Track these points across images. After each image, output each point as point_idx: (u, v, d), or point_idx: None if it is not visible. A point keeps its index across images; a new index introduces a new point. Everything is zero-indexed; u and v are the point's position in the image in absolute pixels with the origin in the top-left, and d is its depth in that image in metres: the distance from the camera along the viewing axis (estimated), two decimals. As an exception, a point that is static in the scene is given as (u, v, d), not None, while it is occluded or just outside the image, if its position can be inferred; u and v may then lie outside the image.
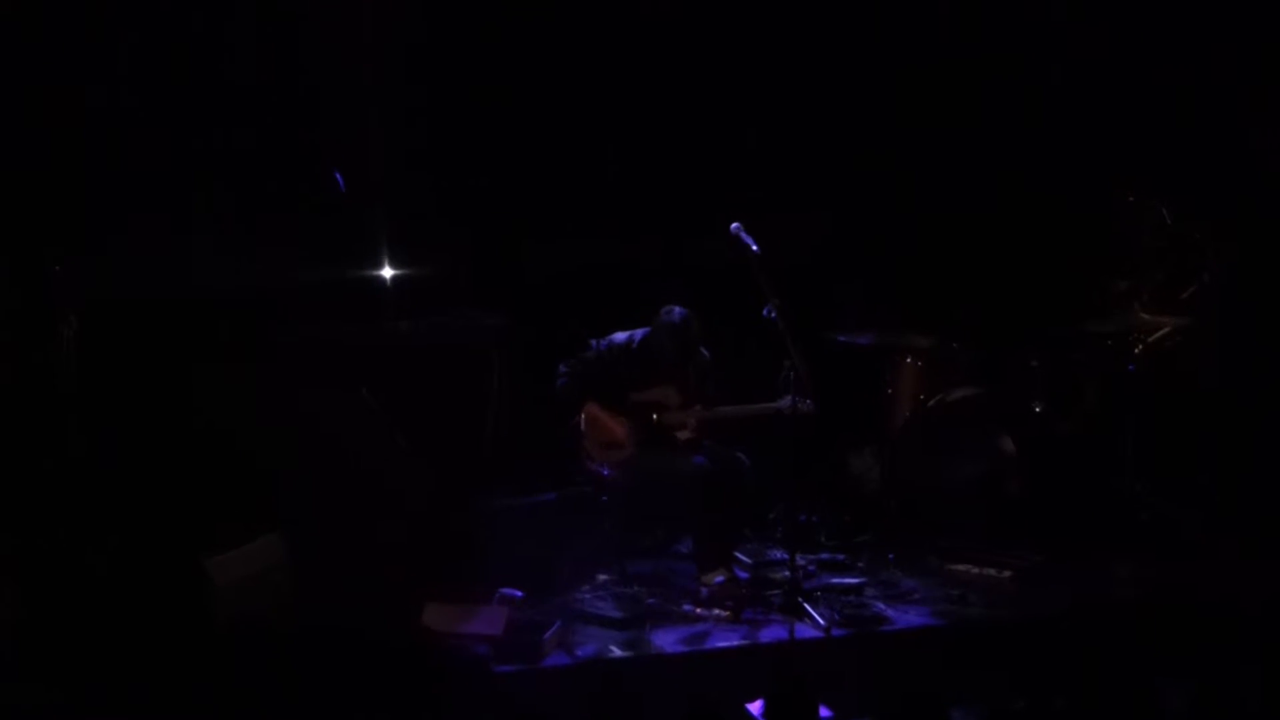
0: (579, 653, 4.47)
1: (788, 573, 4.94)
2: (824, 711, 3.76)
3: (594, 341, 5.33)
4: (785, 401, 4.89)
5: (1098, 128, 6.28)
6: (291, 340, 5.00)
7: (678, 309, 5.15)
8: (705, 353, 5.33)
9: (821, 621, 4.67)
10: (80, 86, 5.04)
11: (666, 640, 4.60)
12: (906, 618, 4.82)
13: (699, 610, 4.88)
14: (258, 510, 4.77)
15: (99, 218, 5.04)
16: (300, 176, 5.27)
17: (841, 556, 5.52)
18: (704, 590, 5.00)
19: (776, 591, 4.98)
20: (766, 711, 3.70)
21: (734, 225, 4.90)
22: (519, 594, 4.75)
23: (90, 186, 5.03)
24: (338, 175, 5.19)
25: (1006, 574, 5.30)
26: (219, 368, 4.96)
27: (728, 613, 4.83)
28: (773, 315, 4.77)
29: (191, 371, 4.96)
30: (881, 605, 4.92)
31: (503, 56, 5.87)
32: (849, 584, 5.15)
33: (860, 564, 5.46)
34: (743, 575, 5.28)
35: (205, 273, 5.05)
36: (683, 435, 5.24)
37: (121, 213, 5.07)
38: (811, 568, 5.35)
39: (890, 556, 5.48)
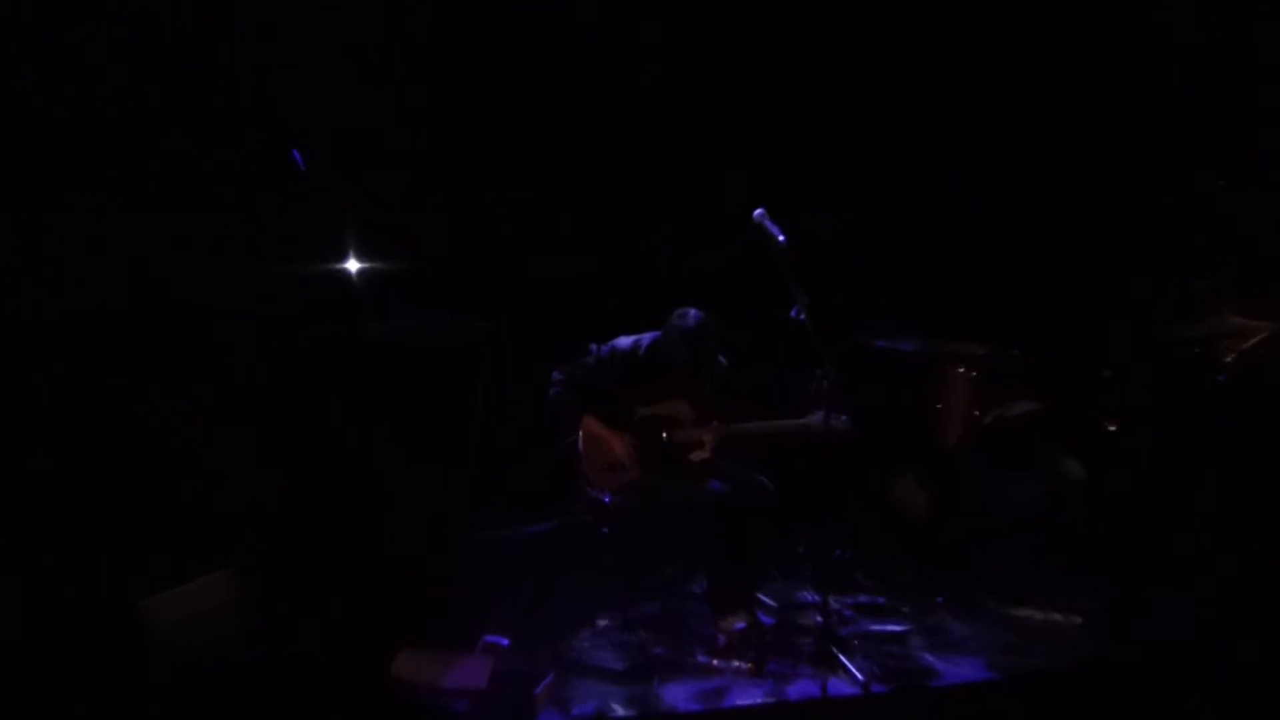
0: (575, 710, 4.44)
1: (819, 618, 4.86)
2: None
3: (594, 347, 5.24)
4: (816, 417, 4.86)
5: (1181, 101, 6.22)
6: (249, 346, 4.88)
7: (693, 311, 5.07)
8: (723, 361, 5.26)
9: (859, 675, 4.59)
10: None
11: (677, 696, 4.55)
12: (958, 670, 4.75)
13: (715, 661, 4.83)
14: (207, 540, 4.72)
15: (27, 211, 4.89)
16: (257, 158, 5.18)
17: (882, 599, 5.47)
18: (721, 638, 4.94)
19: (806, 639, 4.93)
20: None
21: (757, 211, 4.79)
22: (506, 641, 4.73)
23: (18, 175, 4.89)
24: (296, 154, 5.10)
25: (1075, 618, 5.24)
26: (165, 378, 4.87)
27: (749, 664, 4.77)
28: (801, 317, 4.70)
29: (135, 383, 4.87)
30: (929, 656, 4.87)
31: (496, 33, 5.86)
32: (891, 631, 5.11)
33: (904, 608, 5.40)
34: (767, 620, 5.21)
35: (150, 273, 4.95)
36: (697, 456, 5.15)
37: (52, 204, 4.92)
38: (847, 612, 5.31)
39: (939, 599, 5.43)
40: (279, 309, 5.10)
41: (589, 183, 6.04)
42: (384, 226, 5.48)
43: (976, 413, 5.81)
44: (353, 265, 5.35)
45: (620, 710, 4.41)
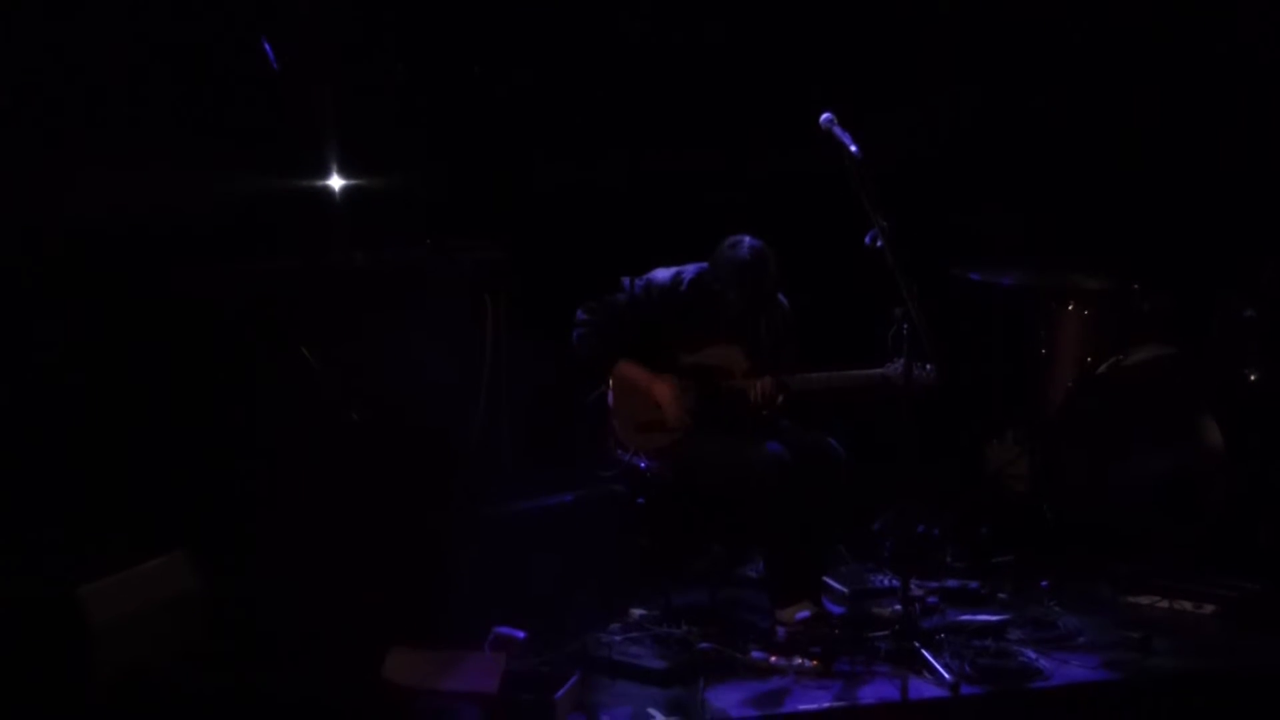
0: (605, 717, 4.36)
1: (899, 606, 4.81)
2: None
3: (627, 280, 5.19)
4: (895, 366, 4.80)
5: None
6: (201, 280, 4.79)
7: (747, 239, 5.01)
8: (783, 299, 5.21)
9: (947, 675, 4.47)
10: None
11: (728, 700, 4.44)
12: (1067, 670, 4.64)
13: (774, 659, 4.70)
14: (155, 519, 4.66)
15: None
16: (215, 48, 5.02)
17: (975, 584, 5.42)
18: (781, 630, 4.86)
19: (883, 633, 4.84)
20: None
21: (825, 116, 4.68)
22: (521, 634, 4.62)
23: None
24: (266, 45, 4.97)
25: (1208, 609, 5.19)
26: (99, 322, 4.79)
27: (814, 662, 4.66)
28: (878, 244, 4.59)
29: (59, 329, 4.77)
30: (1031, 653, 4.77)
31: None
32: (986, 622, 5.01)
33: (1002, 595, 5.36)
34: (835, 610, 5.15)
35: (82, 197, 4.80)
36: (753, 414, 5.09)
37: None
38: (933, 599, 5.26)
39: (1043, 584, 5.35)
40: (242, 236, 4.95)
41: (615, 67, 5.95)
42: (370, 132, 5.31)
43: (1090, 360, 5.79)
44: (334, 182, 5.20)
45: (660, 717, 4.30)
